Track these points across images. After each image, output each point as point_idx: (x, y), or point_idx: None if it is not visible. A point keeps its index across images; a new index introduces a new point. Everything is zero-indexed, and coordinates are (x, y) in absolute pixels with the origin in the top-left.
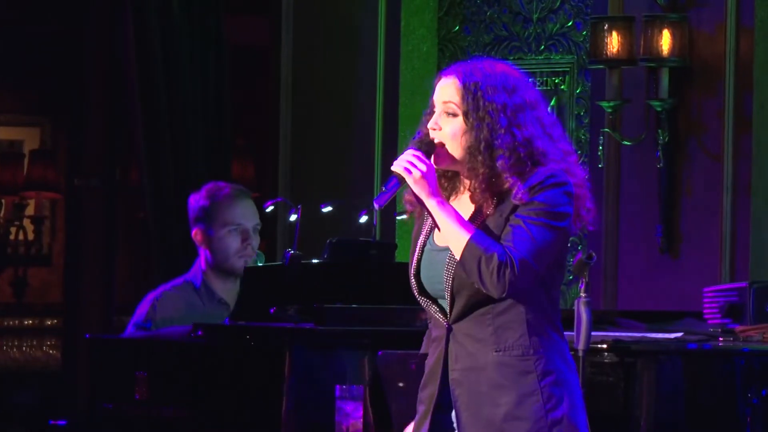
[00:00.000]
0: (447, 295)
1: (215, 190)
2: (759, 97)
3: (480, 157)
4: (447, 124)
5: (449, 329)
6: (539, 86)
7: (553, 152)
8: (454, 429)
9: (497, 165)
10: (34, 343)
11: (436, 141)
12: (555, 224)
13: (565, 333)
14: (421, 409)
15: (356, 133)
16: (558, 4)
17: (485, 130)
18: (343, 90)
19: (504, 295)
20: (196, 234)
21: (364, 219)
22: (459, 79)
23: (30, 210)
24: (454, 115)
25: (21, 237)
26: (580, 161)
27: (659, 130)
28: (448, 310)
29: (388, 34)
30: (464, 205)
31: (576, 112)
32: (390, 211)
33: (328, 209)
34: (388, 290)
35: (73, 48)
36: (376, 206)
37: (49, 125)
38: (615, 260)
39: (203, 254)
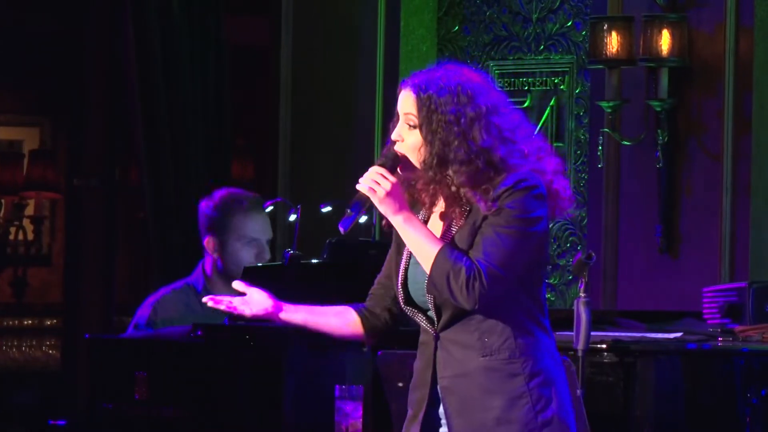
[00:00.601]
0: (431, 306)
1: (232, 201)
2: (759, 97)
3: (431, 172)
4: (408, 136)
5: (436, 337)
6: (539, 86)
7: (516, 155)
8: (442, 425)
9: (455, 178)
10: (34, 343)
11: (399, 153)
12: (527, 230)
13: (564, 333)
14: (410, 412)
15: (356, 133)
16: (557, 4)
17: (437, 143)
18: (343, 90)
19: (476, 307)
20: (209, 242)
21: (363, 219)
22: (413, 92)
23: (30, 210)
24: (415, 126)
25: (21, 237)
26: (580, 161)
27: (659, 130)
28: (435, 320)
29: (388, 34)
30: (441, 218)
31: (575, 112)
32: None
33: (327, 209)
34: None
35: (73, 48)
36: (341, 230)
37: (49, 125)
38: (614, 260)
39: (211, 260)
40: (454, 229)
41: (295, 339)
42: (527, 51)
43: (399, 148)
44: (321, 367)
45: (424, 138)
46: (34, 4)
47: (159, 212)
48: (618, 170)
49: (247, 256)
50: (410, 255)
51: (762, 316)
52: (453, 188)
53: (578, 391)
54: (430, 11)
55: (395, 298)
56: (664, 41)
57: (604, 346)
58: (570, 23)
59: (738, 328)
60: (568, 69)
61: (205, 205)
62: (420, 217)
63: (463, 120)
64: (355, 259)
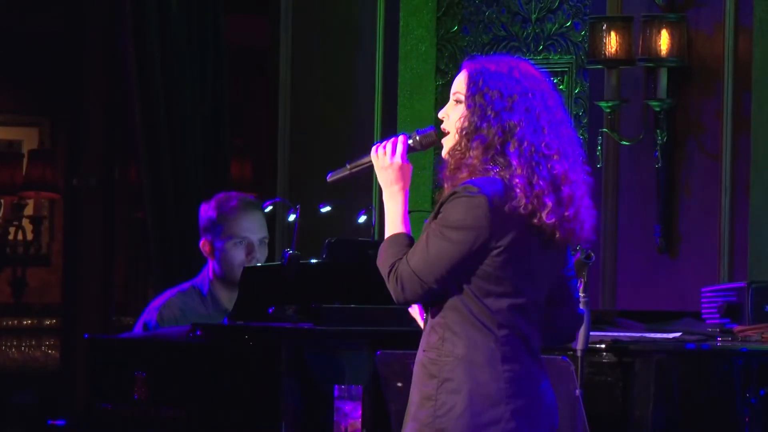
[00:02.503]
0: None
1: (223, 201)
2: (757, 97)
3: (462, 141)
4: (454, 112)
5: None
6: None
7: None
8: None
9: (472, 152)
10: (33, 343)
11: (443, 127)
12: (452, 238)
13: None
14: None
15: (355, 133)
16: (557, 4)
17: (477, 112)
18: (342, 90)
19: (402, 303)
20: (204, 244)
21: (362, 219)
22: (467, 70)
23: (29, 210)
24: (460, 102)
25: (20, 237)
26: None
27: (658, 130)
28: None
29: (387, 34)
30: None
31: (575, 112)
32: None
33: (326, 209)
34: (387, 290)
35: (73, 48)
36: (327, 177)
37: (48, 125)
38: (614, 260)
39: (211, 264)
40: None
41: (294, 339)
42: (526, 51)
43: (444, 126)
44: (320, 367)
45: (467, 108)
46: (34, 4)
47: (158, 212)
48: (617, 170)
49: (237, 256)
50: None
51: (761, 316)
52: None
53: (577, 391)
54: (429, 11)
55: None
56: (663, 41)
57: (603, 346)
58: (569, 23)
59: (737, 328)
60: (567, 69)
61: (202, 208)
62: None
63: (505, 95)
64: (355, 259)
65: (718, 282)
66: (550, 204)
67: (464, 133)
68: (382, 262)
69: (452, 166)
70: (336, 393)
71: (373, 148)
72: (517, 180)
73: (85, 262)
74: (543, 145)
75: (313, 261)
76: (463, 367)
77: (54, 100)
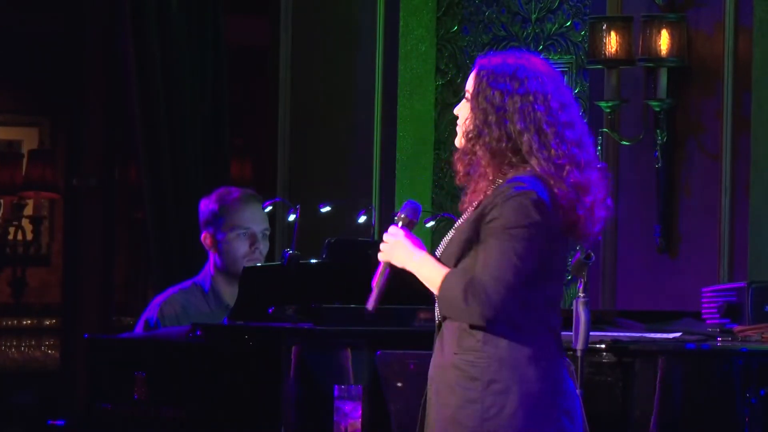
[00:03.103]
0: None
1: (225, 194)
2: (757, 96)
3: (469, 143)
4: (462, 109)
5: (439, 325)
6: None
7: (543, 154)
8: None
9: (480, 153)
10: (33, 343)
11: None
12: (525, 236)
13: (563, 333)
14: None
15: (355, 133)
16: (556, 4)
17: (479, 115)
18: (342, 90)
19: (490, 316)
20: (206, 238)
21: (362, 219)
22: (476, 69)
23: (29, 210)
24: (468, 99)
25: (20, 237)
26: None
27: (657, 130)
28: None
29: (387, 34)
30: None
31: None
32: (389, 210)
33: (326, 209)
34: (387, 290)
35: (73, 48)
36: (369, 309)
37: (48, 125)
38: (614, 260)
39: (212, 258)
40: (462, 219)
41: (294, 339)
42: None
43: (458, 123)
44: (320, 367)
45: (471, 109)
46: (34, 4)
47: (158, 212)
48: (617, 170)
49: (241, 247)
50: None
51: (761, 316)
52: (482, 167)
53: (577, 391)
54: (429, 11)
55: None
56: (663, 41)
57: (603, 346)
58: (569, 23)
59: (737, 328)
60: (567, 69)
61: (203, 203)
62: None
63: (506, 98)
64: (354, 259)
65: (718, 282)
66: (583, 199)
67: (469, 136)
68: (451, 297)
69: (461, 172)
70: (336, 393)
71: (379, 256)
72: (552, 181)
73: (85, 262)
74: (556, 154)
75: (313, 261)
76: (508, 367)
77: (54, 100)
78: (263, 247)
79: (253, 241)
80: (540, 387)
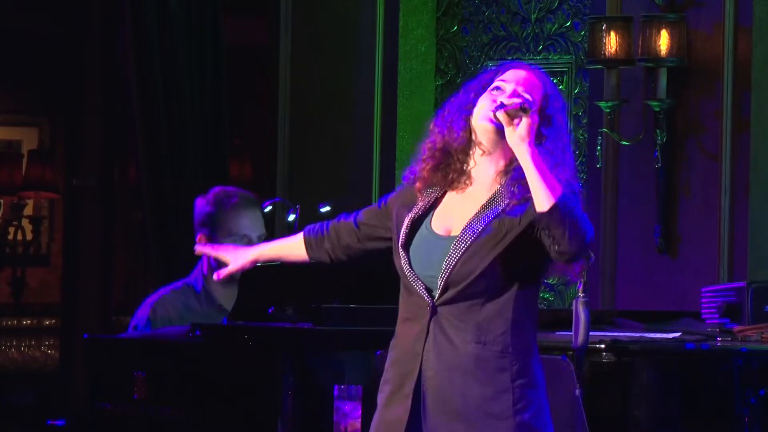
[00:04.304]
0: (440, 282)
1: (223, 197)
2: (757, 97)
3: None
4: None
5: (433, 310)
6: None
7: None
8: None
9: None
10: (33, 343)
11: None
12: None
13: (563, 333)
14: (388, 388)
15: (354, 133)
16: (556, 4)
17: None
18: (342, 90)
19: (578, 251)
20: (201, 239)
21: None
22: (542, 84)
23: (28, 210)
24: (526, 110)
25: (19, 237)
26: (579, 161)
27: (657, 130)
28: (437, 294)
29: (387, 34)
30: (472, 197)
31: (574, 113)
32: None
33: (326, 209)
34: (386, 290)
35: (72, 48)
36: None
37: (48, 125)
38: (613, 260)
39: (206, 259)
40: (502, 205)
41: (294, 339)
42: (526, 51)
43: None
44: (320, 367)
45: (529, 118)
46: (34, 4)
47: (157, 212)
48: (617, 170)
49: None
50: (415, 223)
51: (761, 316)
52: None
53: (577, 391)
54: (428, 11)
55: (363, 238)
56: (663, 41)
57: (602, 346)
58: (569, 23)
59: (737, 328)
60: (566, 69)
61: (199, 202)
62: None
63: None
64: None
65: (717, 282)
66: None
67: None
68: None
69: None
70: (336, 393)
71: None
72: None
73: (84, 262)
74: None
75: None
76: (532, 358)
77: (53, 100)
78: None
79: None
80: (542, 378)
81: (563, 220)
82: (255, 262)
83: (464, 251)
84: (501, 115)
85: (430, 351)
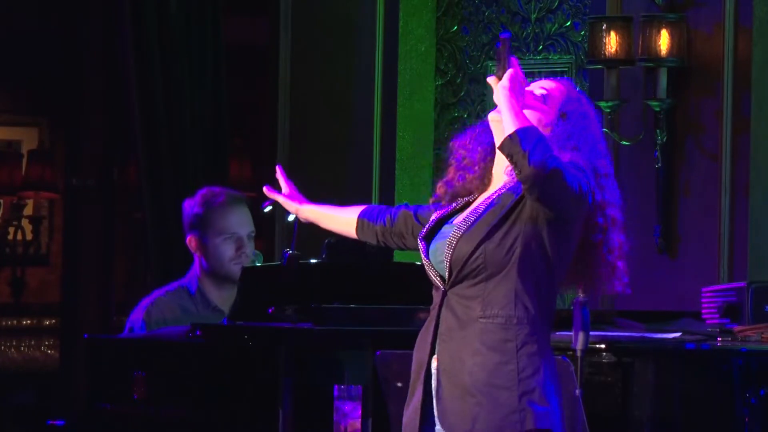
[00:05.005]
0: (446, 265)
1: (210, 196)
2: (757, 96)
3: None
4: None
5: (444, 294)
6: None
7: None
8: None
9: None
10: (32, 343)
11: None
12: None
13: (563, 333)
14: (412, 377)
15: (354, 133)
16: (556, 4)
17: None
18: (342, 90)
19: (536, 171)
20: (191, 241)
21: (268, 209)
22: (564, 85)
23: (28, 210)
24: (565, 116)
25: (19, 237)
26: None
27: (657, 130)
28: (446, 277)
29: (387, 34)
30: (489, 191)
31: None
32: None
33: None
34: (386, 290)
35: (72, 48)
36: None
37: (48, 125)
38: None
39: (198, 260)
40: (503, 190)
41: (294, 339)
42: (526, 51)
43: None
44: (320, 367)
45: (558, 125)
46: (34, 4)
47: (157, 212)
48: (617, 170)
49: (227, 251)
50: (441, 220)
51: (761, 316)
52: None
53: (577, 391)
54: (428, 11)
55: (396, 234)
56: (663, 41)
57: (602, 346)
58: (569, 23)
59: (737, 328)
60: (566, 69)
61: (187, 205)
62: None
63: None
64: (353, 259)
65: (717, 282)
66: None
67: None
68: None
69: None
70: (336, 393)
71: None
72: None
73: (84, 262)
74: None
75: (313, 261)
76: (538, 328)
77: (53, 100)
78: (249, 249)
79: (239, 245)
80: (549, 349)
81: (523, 145)
82: (299, 212)
83: (464, 231)
84: (491, 79)
85: (442, 333)
